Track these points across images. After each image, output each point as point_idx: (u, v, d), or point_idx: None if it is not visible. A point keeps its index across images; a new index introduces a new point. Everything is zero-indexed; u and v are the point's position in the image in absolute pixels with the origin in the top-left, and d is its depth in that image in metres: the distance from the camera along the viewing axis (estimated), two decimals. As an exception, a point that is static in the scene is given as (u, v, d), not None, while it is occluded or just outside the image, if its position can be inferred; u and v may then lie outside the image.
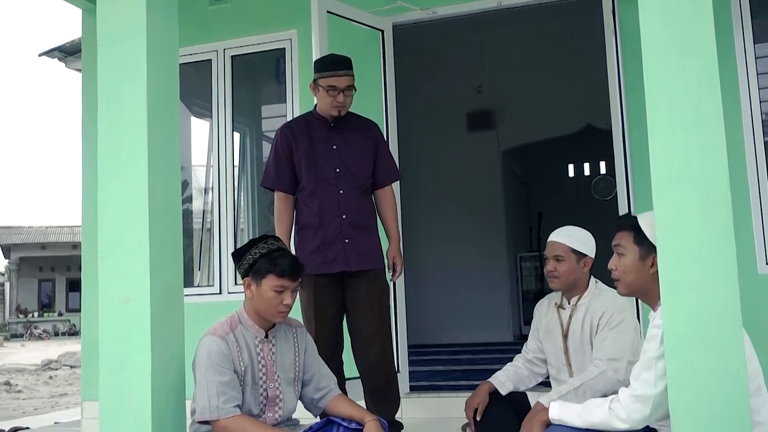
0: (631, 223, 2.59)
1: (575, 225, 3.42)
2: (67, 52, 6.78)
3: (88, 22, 5.84)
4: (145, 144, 2.83)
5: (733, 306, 2.22)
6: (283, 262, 2.86)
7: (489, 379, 3.47)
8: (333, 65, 3.82)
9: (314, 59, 4.55)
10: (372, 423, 2.86)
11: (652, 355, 2.34)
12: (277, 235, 3.73)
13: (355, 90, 3.88)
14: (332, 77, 3.79)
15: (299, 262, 2.94)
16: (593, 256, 3.32)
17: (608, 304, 3.22)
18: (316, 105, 3.95)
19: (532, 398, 3.36)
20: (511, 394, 3.48)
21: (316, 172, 3.82)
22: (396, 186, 4.26)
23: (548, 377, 3.51)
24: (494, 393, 3.42)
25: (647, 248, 2.49)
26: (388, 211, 4.01)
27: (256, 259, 2.88)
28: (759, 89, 4.56)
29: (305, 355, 3.05)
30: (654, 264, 2.45)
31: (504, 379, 3.45)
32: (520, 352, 3.58)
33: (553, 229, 3.42)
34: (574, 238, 3.30)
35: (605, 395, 2.99)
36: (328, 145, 3.86)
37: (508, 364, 3.55)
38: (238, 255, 2.95)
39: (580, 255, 3.29)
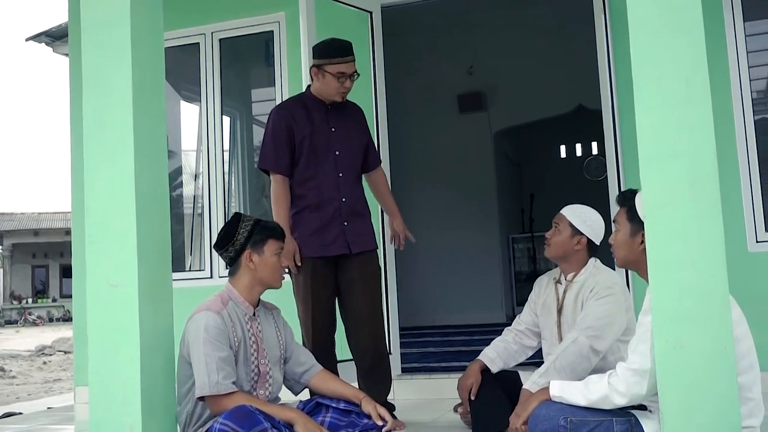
0: (627, 199, 2.62)
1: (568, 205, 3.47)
2: (55, 37, 6.72)
3: (75, 6, 5.78)
4: (131, 129, 2.81)
5: (721, 283, 2.23)
6: (274, 225, 3.06)
7: (479, 357, 3.50)
8: (343, 51, 3.78)
9: (302, 41, 4.53)
10: (368, 398, 2.92)
11: (647, 328, 2.35)
12: (275, 218, 3.74)
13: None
14: (342, 63, 3.76)
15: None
16: (593, 238, 3.36)
17: (599, 279, 3.27)
18: (309, 87, 3.93)
19: (524, 377, 3.38)
20: (503, 373, 3.51)
21: (317, 155, 3.80)
22: (387, 168, 4.26)
23: (541, 351, 3.54)
24: (486, 371, 3.45)
25: (637, 225, 2.51)
26: (384, 189, 4.08)
27: (250, 231, 2.95)
28: (749, 67, 4.56)
29: (285, 333, 3.10)
30: (643, 241, 2.45)
31: (494, 356, 3.48)
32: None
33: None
34: (576, 215, 3.38)
35: (581, 368, 3.04)
36: (327, 127, 3.86)
37: (497, 339, 3.58)
38: (227, 237, 2.96)
39: (576, 232, 3.34)
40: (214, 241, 5.32)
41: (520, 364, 3.63)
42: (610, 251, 2.71)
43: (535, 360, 3.60)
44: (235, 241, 2.95)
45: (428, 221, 8.65)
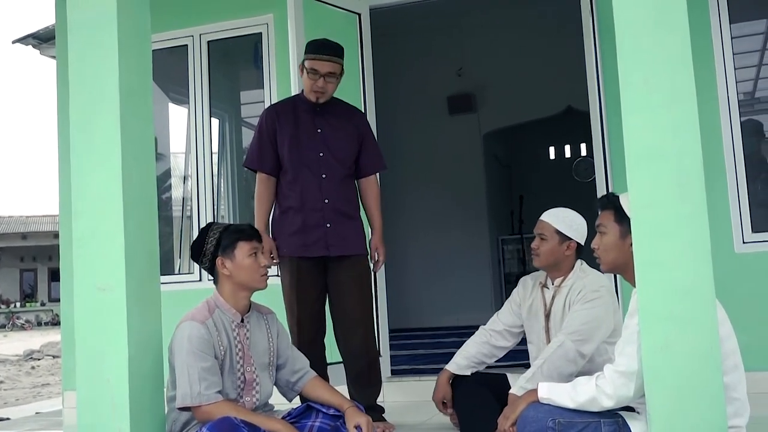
0: (612, 202, 2.62)
1: (556, 207, 3.45)
2: (42, 39, 6.69)
3: (62, 7, 5.76)
4: (119, 132, 2.80)
5: (707, 284, 2.23)
6: (244, 227, 3.01)
7: (446, 367, 3.50)
8: (318, 48, 3.80)
9: (290, 43, 4.53)
10: (351, 409, 2.89)
11: (634, 330, 2.36)
12: (256, 217, 3.76)
13: (340, 78, 3.85)
14: (315, 60, 3.77)
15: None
16: (580, 241, 3.34)
17: (586, 282, 3.26)
18: (303, 89, 3.94)
19: (512, 379, 3.38)
20: (491, 375, 3.51)
21: (300, 155, 3.80)
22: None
23: (521, 351, 3.54)
24: (460, 377, 3.45)
25: (627, 226, 2.51)
26: (371, 200, 4.00)
27: (218, 238, 2.94)
28: (735, 69, 4.57)
29: (278, 340, 3.07)
30: None
31: (463, 364, 3.48)
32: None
33: (535, 212, 3.45)
34: (561, 220, 3.33)
35: (568, 371, 3.04)
36: (313, 128, 3.84)
37: (469, 341, 3.56)
38: (197, 248, 2.96)
39: (564, 237, 3.31)
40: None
41: (508, 366, 3.63)
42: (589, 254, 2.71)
43: (525, 362, 3.60)
44: (206, 250, 2.95)
45: (418, 223, 8.67)
